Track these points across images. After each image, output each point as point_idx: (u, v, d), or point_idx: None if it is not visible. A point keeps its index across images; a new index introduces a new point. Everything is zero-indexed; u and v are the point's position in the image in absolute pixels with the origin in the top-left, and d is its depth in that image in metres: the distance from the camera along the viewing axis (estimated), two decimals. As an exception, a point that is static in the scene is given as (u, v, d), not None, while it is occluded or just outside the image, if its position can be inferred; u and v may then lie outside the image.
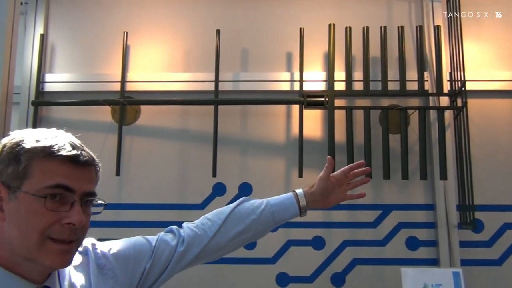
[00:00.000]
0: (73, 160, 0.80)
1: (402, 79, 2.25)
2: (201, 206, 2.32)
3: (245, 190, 2.32)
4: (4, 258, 0.80)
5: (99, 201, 0.86)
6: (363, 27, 2.29)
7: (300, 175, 2.19)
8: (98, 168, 0.87)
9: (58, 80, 2.43)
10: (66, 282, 0.89)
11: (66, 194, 0.79)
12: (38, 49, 2.40)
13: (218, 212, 1.16)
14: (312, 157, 2.27)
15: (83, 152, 0.82)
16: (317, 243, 2.28)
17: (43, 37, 2.41)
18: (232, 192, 2.32)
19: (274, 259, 2.28)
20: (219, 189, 2.33)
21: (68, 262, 0.82)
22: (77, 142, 0.84)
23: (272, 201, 1.18)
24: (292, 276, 2.27)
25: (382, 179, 2.18)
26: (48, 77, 2.43)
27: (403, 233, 2.27)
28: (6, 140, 0.82)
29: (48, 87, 2.43)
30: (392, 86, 2.28)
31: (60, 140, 0.81)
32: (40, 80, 2.40)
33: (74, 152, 0.80)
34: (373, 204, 2.29)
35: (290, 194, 1.20)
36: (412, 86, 2.28)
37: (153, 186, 2.35)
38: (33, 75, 2.40)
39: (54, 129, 0.85)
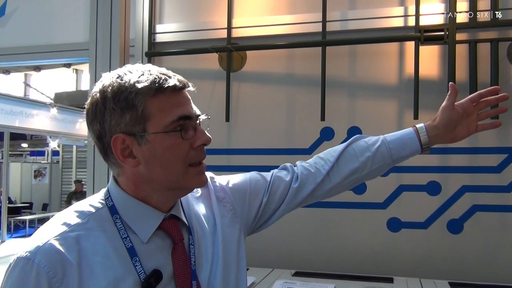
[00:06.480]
0: (175, 88, 0.81)
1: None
2: (309, 151, 2.32)
3: (354, 134, 2.20)
4: (136, 192, 0.84)
5: (205, 117, 0.87)
6: None
7: (416, 117, 2.06)
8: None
9: (167, 30, 2.52)
10: (190, 212, 0.93)
11: (189, 123, 0.82)
12: (149, 2, 2.48)
13: (331, 150, 1.11)
14: (428, 98, 2.11)
15: (177, 77, 0.83)
16: (433, 188, 2.17)
17: (152, -11, 2.50)
18: (340, 137, 2.27)
19: (385, 204, 2.23)
20: (327, 134, 2.30)
21: (206, 181, 0.88)
22: (167, 70, 0.84)
23: (389, 137, 1.08)
24: (405, 221, 2.21)
25: (511, 119, 1.98)
26: (159, 28, 2.53)
27: (532, 179, 2.06)
28: (101, 93, 0.80)
29: (159, 38, 2.53)
30: (526, 14, 2.00)
31: (155, 73, 0.81)
32: (152, 32, 2.50)
33: (174, 81, 0.81)
34: (498, 147, 2.10)
35: (409, 129, 1.08)
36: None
37: (261, 131, 2.38)
38: (145, 27, 2.52)
39: (137, 64, 0.84)
